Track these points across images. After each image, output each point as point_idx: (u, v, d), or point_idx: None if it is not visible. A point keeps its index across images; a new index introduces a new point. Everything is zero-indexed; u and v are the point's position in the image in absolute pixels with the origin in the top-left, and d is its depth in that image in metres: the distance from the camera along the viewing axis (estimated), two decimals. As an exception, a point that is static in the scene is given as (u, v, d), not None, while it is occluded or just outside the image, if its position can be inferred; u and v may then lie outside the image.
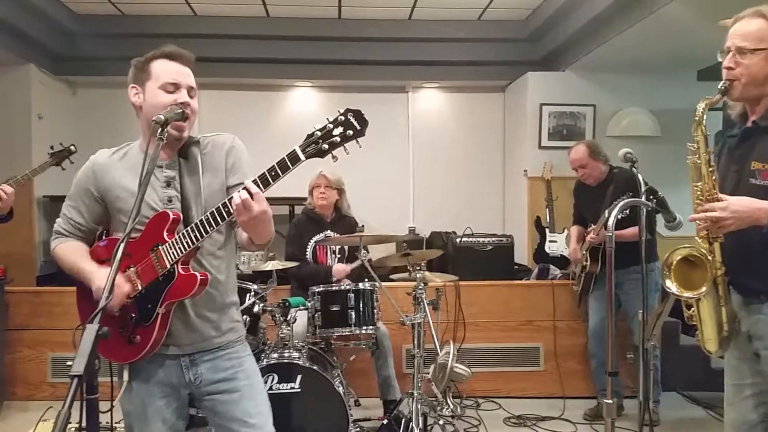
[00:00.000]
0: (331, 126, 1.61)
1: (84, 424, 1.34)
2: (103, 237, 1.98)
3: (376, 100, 6.34)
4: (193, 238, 1.72)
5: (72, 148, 3.35)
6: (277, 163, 1.63)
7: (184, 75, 1.85)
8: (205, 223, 1.71)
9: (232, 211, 1.67)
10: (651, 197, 2.77)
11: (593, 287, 4.02)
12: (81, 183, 1.92)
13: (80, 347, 1.27)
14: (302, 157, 1.62)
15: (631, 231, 3.51)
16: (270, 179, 1.64)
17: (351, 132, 1.60)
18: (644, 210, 2.86)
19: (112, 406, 1.77)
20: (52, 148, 3.36)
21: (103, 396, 1.49)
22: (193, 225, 1.73)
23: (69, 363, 1.23)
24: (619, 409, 3.90)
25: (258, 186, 1.64)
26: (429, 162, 6.53)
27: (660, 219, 2.99)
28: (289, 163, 1.62)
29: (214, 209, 1.71)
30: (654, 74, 5.61)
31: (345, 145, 1.62)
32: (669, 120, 5.68)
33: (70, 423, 1.18)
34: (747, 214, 1.86)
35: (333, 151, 1.62)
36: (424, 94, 6.60)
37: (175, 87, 1.82)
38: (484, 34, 5.94)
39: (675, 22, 4.21)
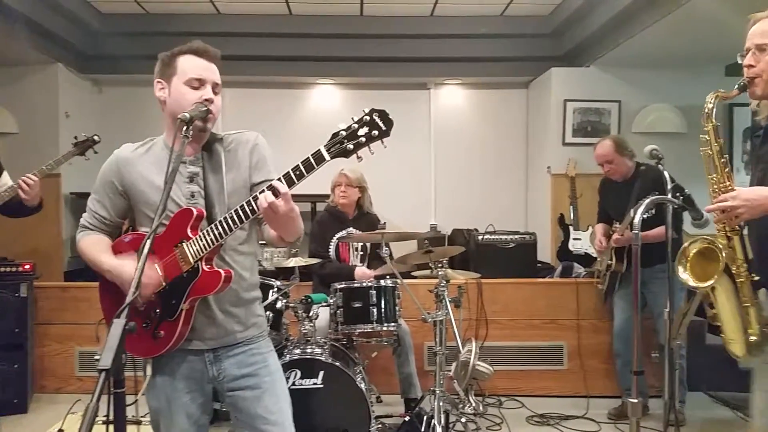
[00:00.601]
0: (356, 126, 1.61)
1: (111, 417, 1.35)
2: (129, 231, 2.00)
3: (397, 98, 6.34)
4: (217, 235, 1.73)
5: (95, 137, 3.40)
6: (301, 163, 1.63)
7: (210, 71, 1.86)
8: (229, 220, 1.72)
9: (256, 209, 1.67)
10: (678, 195, 2.73)
11: (618, 286, 3.98)
12: (105, 177, 1.94)
13: (108, 341, 1.28)
14: (327, 157, 1.61)
15: (657, 231, 3.47)
16: (294, 178, 1.64)
17: (376, 132, 1.60)
18: (671, 208, 2.82)
19: (136, 400, 1.79)
20: (75, 138, 3.41)
21: (127, 390, 1.51)
22: (217, 222, 1.73)
23: (97, 357, 1.25)
24: (644, 409, 3.86)
25: (299, 171, 1.63)
26: (451, 159, 6.51)
27: (687, 217, 2.94)
28: (314, 163, 1.62)
29: (238, 207, 1.71)
30: (680, 69, 5.52)
31: (370, 145, 1.61)
32: (696, 116, 5.47)
33: (98, 416, 1.19)
34: (759, 202, 1.85)
35: (358, 152, 1.61)
36: (446, 91, 6.57)
37: (200, 83, 1.84)
38: (507, 30, 5.90)
39: (703, 15, 4.13)
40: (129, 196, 1.91)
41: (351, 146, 1.60)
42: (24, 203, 3.09)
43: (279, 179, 1.65)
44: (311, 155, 1.62)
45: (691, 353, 3.92)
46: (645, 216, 2.41)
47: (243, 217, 1.71)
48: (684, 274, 1.99)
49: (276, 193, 1.63)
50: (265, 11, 5.70)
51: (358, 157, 1.62)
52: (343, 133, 1.61)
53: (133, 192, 1.90)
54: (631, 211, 3.51)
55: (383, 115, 1.61)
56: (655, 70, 5.57)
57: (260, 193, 1.65)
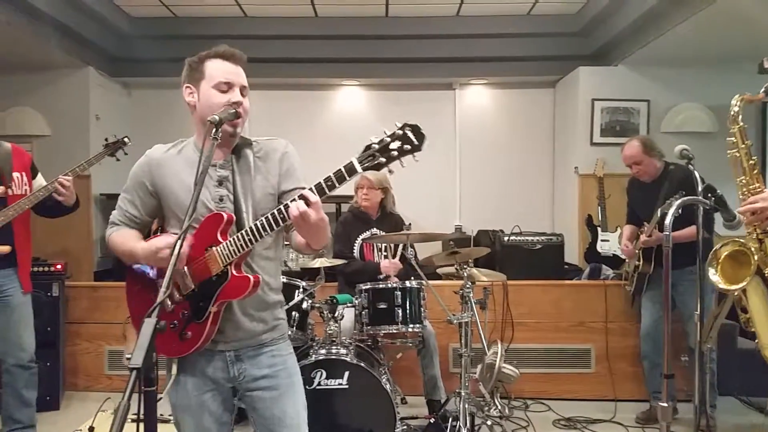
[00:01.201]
0: (388, 140, 1.61)
1: (141, 415, 1.37)
2: (158, 233, 2.02)
3: (422, 98, 6.33)
4: (247, 241, 1.75)
5: (125, 139, 3.49)
6: (333, 174, 1.64)
7: (237, 74, 1.88)
8: (260, 226, 1.73)
9: (287, 217, 1.68)
10: (709, 195, 2.68)
11: (646, 288, 3.92)
12: (136, 176, 1.97)
13: (139, 340, 1.30)
14: (359, 169, 1.62)
15: (687, 232, 3.41)
16: (326, 189, 1.65)
17: (408, 147, 1.61)
18: (701, 209, 2.77)
19: (159, 398, 1.81)
20: (106, 140, 3.50)
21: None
22: (248, 228, 1.75)
23: (128, 356, 1.27)
24: (673, 413, 3.79)
25: (331, 182, 1.64)
26: (476, 159, 6.48)
27: (718, 218, 2.89)
28: (345, 174, 1.62)
29: (269, 214, 1.73)
30: (711, 68, 5.42)
31: (401, 158, 1.62)
32: (727, 115, 5.47)
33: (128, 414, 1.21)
34: None
35: (389, 165, 1.62)
36: (472, 91, 6.54)
37: (228, 86, 1.86)
38: (533, 29, 5.85)
39: (735, 13, 4.05)
40: (159, 197, 1.94)
41: (383, 160, 1.61)
42: (61, 203, 3.17)
43: (311, 189, 1.66)
44: (343, 167, 1.63)
45: (722, 357, 3.84)
46: (674, 216, 2.35)
47: (274, 224, 1.72)
48: (715, 276, 1.96)
49: (308, 202, 1.64)
50: (291, 13, 5.74)
51: (390, 171, 1.64)
52: (376, 146, 1.62)
53: (164, 192, 1.92)
54: (658, 211, 3.47)
55: (416, 129, 1.62)
56: (685, 69, 5.47)
57: (291, 201, 1.66)
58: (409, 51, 6.02)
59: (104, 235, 2.12)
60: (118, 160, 3.45)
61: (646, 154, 3.80)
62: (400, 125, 1.62)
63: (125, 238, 1.95)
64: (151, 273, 1.95)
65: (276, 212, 1.71)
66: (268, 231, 1.73)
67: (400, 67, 6.14)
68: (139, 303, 1.97)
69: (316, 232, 1.73)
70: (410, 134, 1.61)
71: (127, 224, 2.00)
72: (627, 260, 4.17)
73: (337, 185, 1.64)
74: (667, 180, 3.72)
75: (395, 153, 1.60)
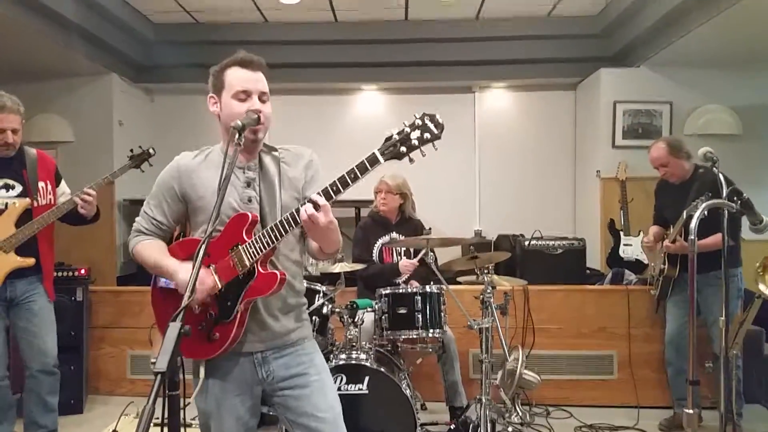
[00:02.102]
0: (408, 130, 1.66)
1: (165, 419, 1.38)
2: (180, 238, 2.04)
3: (442, 101, 6.32)
4: (273, 238, 1.78)
5: (151, 151, 3.51)
6: (356, 166, 1.68)
7: (254, 81, 1.90)
8: (284, 223, 1.77)
9: (299, 219, 1.73)
10: (735, 198, 2.63)
11: (671, 292, 3.86)
12: (165, 182, 1.99)
13: (163, 345, 1.31)
14: (381, 159, 1.67)
15: (712, 240, 3.34)
16: (349, 181, 1.69)
17: (428, 135, 1.66)
18: (726, 212, 2.72)
19: (186, 404, 1.82)
20: (131, 151, 3.53)
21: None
22: (272, 225, 1.78)
23: (153, 360, 1.27)
24: (698, 420, 3.72)
25: (337, 190, 1.70)
26: (496, 163, 6.44)
27: (745, 222, 2.83)
28: (368, 165, 1.68)
29: (282, 218, 1.77)
30: (735, 69, 5.34)
31: (422, 147, 1.66)
32: (752, 117, 5.40)
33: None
34: None
35: (410, 154, 1.67)
36: (491, 94, 6.51)
37: (246, 95, 1.88)
38: (554, 31, 5.81)
39: (761, 12, 3.99)
40: (187, 202, 1.97)
41: (404, 149, 1.66)
42: (83, 215, 3.21)
43: (334, 182, 1.70)
44: (366, 158, 1.68)
45: (749, 364, 3.77)
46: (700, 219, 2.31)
47: (287, 226, 1.76)
48: (765, 289, 1.91)
49: (316, 206, 1.69)
50: (311, 19, 5.77)
51: (411, 160, 1.68)
52: (396, 136, 1.67)
53: (193, 198, 1.94)
54: (684, 213, 3.42)
55: (434, 119, 1.66)
56: (709, 70, 5.40)
57: (301, 205, 1.72)
58: (429, 54, 6.01)
59: (127, 241, 2.13)
60: (142, 171, 3.48)
61: (673, 155, 3.74)
62: (419, 115, 1.67)
63: (155, 251, 1.96)
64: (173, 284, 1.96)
65: (289, 215, 1.76)
66: (288, 230, 1.77)
67: (420, 71, 6.13)
68: (164, 308, 1.99)
69: (326, 235, 1.78)
70: (429, 123, 1.66)
71: (153, 232, 2.01)
72: (650, 263, 4.11)
73: (360, 176, 1.69)
74: (697, 182, 3.65)
75: (416, 142, 1.66)
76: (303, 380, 1.93)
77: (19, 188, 3.14)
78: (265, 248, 1.78)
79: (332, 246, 1.88)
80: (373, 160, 1.67)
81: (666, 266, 3.84)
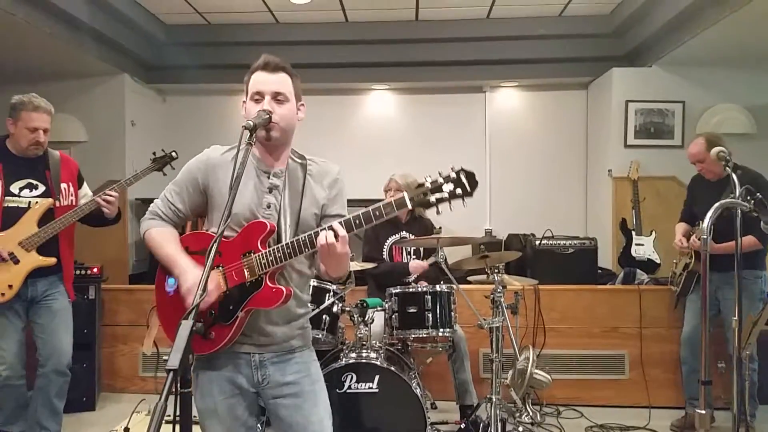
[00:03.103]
0: (441, 181, 1.67)
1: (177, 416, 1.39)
2: (192, 231, 2.04)
3: (453, 101, 6.31)
4: (286, 254, 1.78)
5: (173, 154, 3.50)
6: (383, 205, 1.69)
7: (267, 83, 1.90)
8: (300, 243, 1.77)
9: (315, 243, 1.74)
10: (749, 198, 2.61)
11: (694, 287, 3.82)
12: (191, 172, 1.98)
13: (175, 342, 1.32)
14: (409, 205, 1.67)
15: (746, 241, 3.29)
16: (373, 218, 1.70)
17: (460, 191, 1.67)
18: (739, 212, 2.70)
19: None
20: (154, 154, 3.53)
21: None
22: (288, 242, 1.79)
23: (165, 357, 1.28)
24: (711, 421, 3.70)
25: (360, 222, 1.71)
26: (507, 162, 6.43)
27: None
28: (395, 208, 1.68)
29: (299, 238, 1.78)
30: (749, 68, 5.30)
31: (451, 201, 1.67)
32: (765, 116, 5.36)
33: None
34: None
35: (439, 206, 1.67)
36: (502, 94, 6.49)
37: (260, 96, 1.89)
38: (566, 30, 5.79)
39: (775, 11, 3.95)
40: (208, 196, 1.96)
41: (433, 200, 1.66)
42: (103, 215, 3.24)
43: (350, 220, 1.72)
44: (395, 200, 1.68)
45: (764, 365, 3.73)
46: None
47: (302, 247, 1.77)
48: None
49: (336, 235, 1.70)
50: (322, 19, 5.79)
51: (438, 211, 1.68)
52: (429, 186, 1.67)
53: (215, 193, 1.94)
54: (711, 210, 3.38)
55: (470, 176, 1.68)
56: (722, 69, 5.35)
57: (321, 230, 1.72)
58: (440, 54, 6.01)
59: (139, 240, 2.14)
60: (165, 174, 3.46)
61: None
62: (456, 168, 1.68)
63: (167, 243, 1.95)
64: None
65: (306, 237, 1.77)
66: (298, 253, 1.78)
67: (431, 71, 6.13)
68: (167, 306, 1.98)
69: (338, 263, 1.80)
70: (464, 179, 1.67)
71: (170, 218, 2.00)
72: (676, 260, 4.07)
73: (384, 217, 1.69)
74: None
75: (446, 195, 1.66)
76: (296, 389, 1.93)
77: (42, 188, 3.17)
78: (277, 262, 1.79)
79: (339, 272, 1.88)
80: (400, 204, 1.67)
81: (693, 260, 3.80)
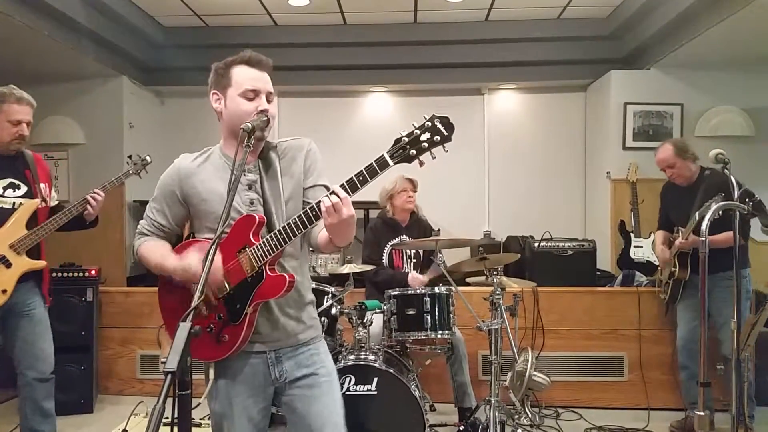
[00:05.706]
0: (418, 132, 1.62)
1: (174, 418, 1.38)
2: (191, 238, 2.04)
3: (451, 103, 6.30)
4: (281, 241, 1.76)
5: (147, 158, 3.44)
6: (365, 169, 1.65)
7: (263, 81, 1.90)
8: (293, 226, 1.74)
9: (319, 213, 1.69)
10: (746, 200, 2.61)
11: (681, 295, 3.83)
12: (166, 186, 1.99)
13: (173, 344, 1.31)
14: (391, 162, 1.63)
15: (723, 237, 3.34)
16: (358, 184, 1.66)
17: (438, 137, 1.62)
18: (738, 213, 2.70)
19: (198, 404, 1.82)
20: (129, 157, 3.48)
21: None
22: (281, 228, 1.76)
23: (163, 360, 1.28)
24: (711, 426, 3.69)
25: (346, 190, 1.65)
26: (505, 164, 6.42)
27: (755, 223, 2.81)
28: (377, 168, 1.64)
29: (301, 213, 1.73)
30: (747, 70, 5.30)
31: (432, 150, 1.63)
32: (764, 118, 5.36)
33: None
34: None
35: (420, 157, 1.63)
36: (501, 96, 6.49)
37: (255, 93, 1.88)
38: (564, 33, 5.79)
39: (773, 13, 3.96)
40: (189, 205, 1.96)
41: (414, 152, 1.62)
42: (84, 218, 3.15)
43: (342, 185, 1.66)
44: (374, 161, 1.64)
45: (761, 366, 3.73)
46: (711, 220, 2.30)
47: (307, 222, 1.73)
48: None
49: (338, 198, 1.65)
50: (320, 22, 5.78)
51: (420, 163, 1.64)
52: (406, 138, 1.63)
53: (194, 200, 1.94)
54: (696, 214, 3.40)
55: (444, 120, 1.62)
56: (720, 71, 5.36)
57: (324, 196, 1.66)
58: (438, 56, 6.00)
59: (132, 244, 2.13)
60: (140, 177, 3.45)
61: (679, 157, 3.74)
62: (428, 117, 1.63)
63: (154, 249, 1.97)
64: None
65: (308, 210, 1.72)
66: (302, 229, 1.74)
67: (429, 73, 6.13)
68: (172, 308, 1.99)
69: (345, 228, 1.70)
70: (439, 125, 1.62)
71: (156, 234, 2.02)
72: (661, 268, 4.09)
73: (369, 180, 1.65)
74: (704, 184, 3.64)
75: (425, 145, 1.62)
76: (313, 381, 1.93)
77: (24, 188, 3.06)
78: (273, 250, 1.77)
79: (345, 240, 1.79)
80: (382, 164, 1.63)
81: (677, 268, 3.82)
